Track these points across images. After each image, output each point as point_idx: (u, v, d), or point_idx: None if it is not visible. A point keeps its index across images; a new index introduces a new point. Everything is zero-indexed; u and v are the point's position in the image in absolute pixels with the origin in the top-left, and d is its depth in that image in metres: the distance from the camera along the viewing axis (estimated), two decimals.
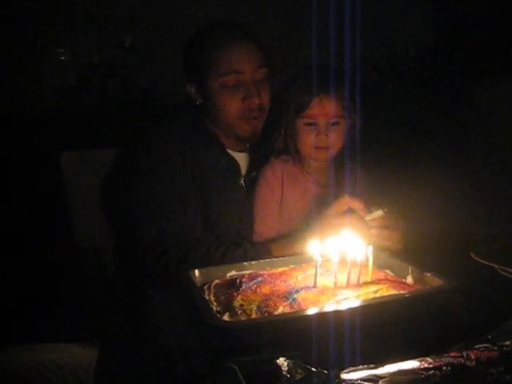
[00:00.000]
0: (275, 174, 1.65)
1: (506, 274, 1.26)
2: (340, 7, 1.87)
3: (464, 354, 0.86)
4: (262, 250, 1.45)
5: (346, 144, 1.63)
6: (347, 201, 1.41)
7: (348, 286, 1.13)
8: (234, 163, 1.64)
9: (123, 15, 3.31)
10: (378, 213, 1.40)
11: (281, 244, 1.47)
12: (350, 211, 1.40)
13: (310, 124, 1.59)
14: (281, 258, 1.32)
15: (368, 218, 1.39)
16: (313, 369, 0.81)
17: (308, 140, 1.60)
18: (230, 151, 1.64)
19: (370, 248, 1.19)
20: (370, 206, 1.42)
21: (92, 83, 3.35)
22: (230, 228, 1.59)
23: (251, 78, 1.54)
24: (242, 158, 1.68)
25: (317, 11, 1.85)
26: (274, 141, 1.65)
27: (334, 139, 1.60)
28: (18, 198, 2.70)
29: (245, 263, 1.28)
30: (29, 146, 2.80)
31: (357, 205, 1.40)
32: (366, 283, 1.14)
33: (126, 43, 3.35)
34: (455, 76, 3.31)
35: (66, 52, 3.47)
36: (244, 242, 1.46)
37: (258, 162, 1.68)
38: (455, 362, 0.84)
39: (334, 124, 1.59)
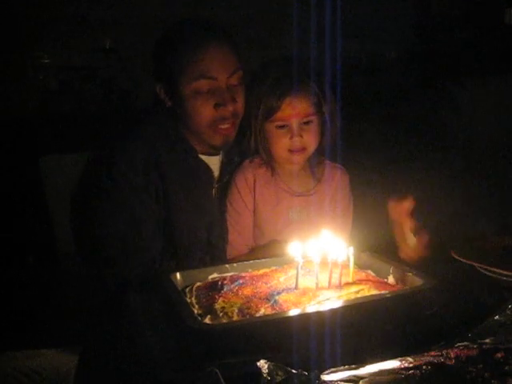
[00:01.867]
0: (247, 180, 1.60)
1: (486, 273, 1.27)
2: (321, 6, 1.87)
3: (444, 352, 0.87)
4: None
5: (320, 143, 1.60)
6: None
7: (329, 287, 1.13)
8: (207, 168, 1.58)
9: (103, 18, 3.29)
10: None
11: None
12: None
13: (281, 127, 1.53)
14: (262, 260, 1.32)
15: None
16: (293, 370, 0.81)
17: (281, 143, 1.54)
18: (202, 156, 1.58)
19: (351, 249, 1.19)
20: None
21: (72, 86, 3.32)
22: (200, 238, 1.54)
23: (225, 83, 1.49)
24: (214, 162, 1.61)
25: (298, 9, 1.85)
26: (244, 145, 1.61)
27: (309, 139, 1.55)
28: None
29: (226, 265, 1.28)
30: (9, 149, 2.77)
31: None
32: (348, 284, 1.14)
33: (106, 46, 3.33)
34: (436, 76, 3.33)
35: (47, 55, 3.44)
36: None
37: (231, 166, 1.64)
38: (435, 360, 0.84)
39: (306, 123, 1.54)
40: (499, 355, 0.85)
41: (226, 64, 1.49)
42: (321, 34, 1.70)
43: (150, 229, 1.46)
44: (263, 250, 1.56)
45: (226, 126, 1.51)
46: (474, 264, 1.30)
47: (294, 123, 1.53)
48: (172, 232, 1.50)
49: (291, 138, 1.53)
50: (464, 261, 1.31)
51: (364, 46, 3.51)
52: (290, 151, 1.55)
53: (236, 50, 1.53)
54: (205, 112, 1.49)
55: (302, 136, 1.53)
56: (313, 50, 1.62)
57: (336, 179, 1.65)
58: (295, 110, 1.51)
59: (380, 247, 1.39)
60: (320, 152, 1.62)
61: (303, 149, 1.55)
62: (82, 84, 3.34)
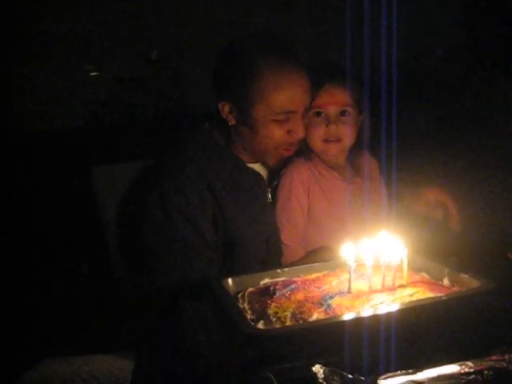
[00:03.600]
0: (300, 175, 1.60)
1: None
2: (365, 5, 1.84)
3: (506, 357, 0.84)
4: None
5: (360, 138, 1.62)
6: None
7: (383, 290, 1.11)
8: (257, 175, 1.57)
9: (149, 28, 3.35)
10: None
11: None
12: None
13: (318, 114, 1.56)
14: (314, 264, 1.31)
15: None
16: (349, 375, 0.80)
17: (317, 132, 1.57)
18: (250, 165, 1.58)
19: (405, 251, 1.17)
20: None
21: (121, 97, 3.39)
22: (259, 252, 1.52)
23: (302, 113, 1.49)
24: (260, 169, 1.61)
25: (340, 8, 1.83)
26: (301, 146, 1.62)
27: (344, 130, 1.57)
28: (51, 214, 2.75)
29: (278, 270, 1.28)
30: (62, 160, 2.85)
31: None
32: (402, 286, 1.12)
33: (152, 57, 3.39)
34: (484, 76, 3.25)
35: (95, 68, 3.53)
36: None
37: (280, 167, 1.62)
38: (497, 365, 0.82)
39: (343, 114, 1.56)
40: None
41: (305, 97, 1.49)
42: (371, 33, 1.69)
43: (207, 258, 1.44)
44: (317, 254, 1.56)
45: (290, 151, 1.53)
46: None
47: (331, 111, 1.55)
48: (231, 251, 1.49)
49: (327, 125, 1.55)
50: None
51: (411, 44, 3.45)
52: (326, 141, 1.57)
53: (308, 74, 1.50)
54: (277, 137, 1.48)
55: (337, 125, 1.55)
56: (366, 49, 1.61)
57: (371, 165, 1.70)
58: (333, 97, 1.55)
59: (433, 249, 1.36)
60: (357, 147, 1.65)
61: (338, 140, 1.57)
62: (130, 95, 3.41)
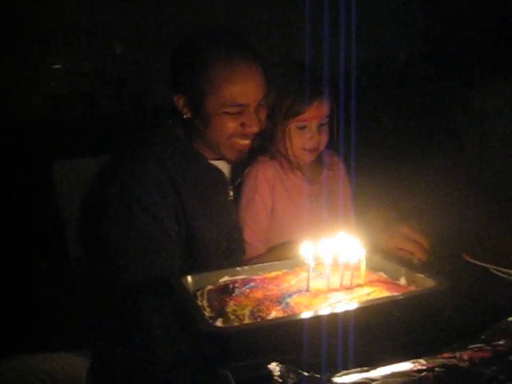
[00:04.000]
0: (265, 174, 1.62)
1: (498, 274, 1.26)
2: (331, 10, 1.86)
3: (457, 354, 0.86)
4: None
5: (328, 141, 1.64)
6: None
7: (341, 288, 1.12)
8: (219, 173, 1.57)
9: (114, 22, 3.31)
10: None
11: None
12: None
13: (301, 127, 1.58)
14: (273, 263, 1.31)
15: None
16: (305, 373, 0.81)
17: (299, 143, 1.59)
18: (212, 161, 1.58)
19: (363, 251, 1.18)
20: None
21: (83, 91, 3.34)
22: (220, 247, 1.53)
23: (255, 107, 1.48)
24: (224, 165, 1.61)
25: (309, 14, 1.85)
26: (256, 143, 1.61)
27: (324, 139, 1.61)
28: (10, 208, 2.69)
29: (237, 268, 1.28)
30: (22, 154, 2.79)
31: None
32: (359, 286, 1.14)
33: (116, 50, 3.35)
34: (446, 78, 3.32)
35: (58, 61, 3.47)
36: None
37: (243, 166, 1.63)
38: (448, 362, 0.83)
39: (322, 125, 1.59)
40: None
41: (257, 91, 1.48)
42: (331, 38, 1.71)
43: (169, 251, 1.44)
44: (279, 249, 1.57)
45: (245, 142, 1.52)
46: (487, 266, 1.29)
47: (314, 124, 1.58)
48: (192, 246, 1.49)
49: (311, 138, 1.58)
50: (476, 262, 1.30)
51: (374, 48, 3.50)
52: (305, 150, 1.60)
53: (265, 70, 1.51)
54: (230, 130, 1.48)
55: (319, 136, 1.59)
56: (326, 54, 1.62)
57: (338, 167, 1.73)
58: (318, 112, 1.56)
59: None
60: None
61: (317, 148, 1.61)
62: (92, 88, 3.37)
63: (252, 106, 1.48)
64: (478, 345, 0.91)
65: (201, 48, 1.47)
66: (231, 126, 1.48)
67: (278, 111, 1.57)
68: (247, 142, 1.53)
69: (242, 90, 1.45)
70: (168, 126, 1.57)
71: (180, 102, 1.51)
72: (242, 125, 1.48)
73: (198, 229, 1.49)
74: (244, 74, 1.45)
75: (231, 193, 1.61)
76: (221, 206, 1.56)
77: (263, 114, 1.53)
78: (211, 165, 1.57)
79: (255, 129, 1.50)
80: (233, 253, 1.55)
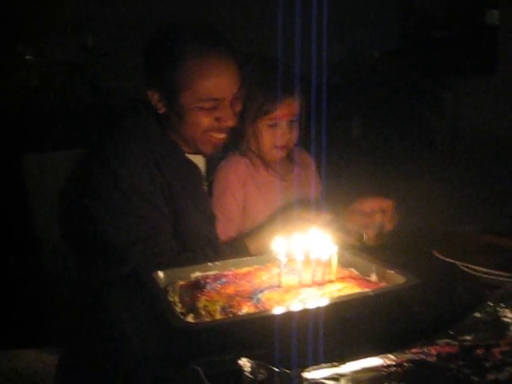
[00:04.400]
0: (236, 170, 1.62)
1: (467, 270, 1.28)
2: (304, 7, 1.87)
3: (425, 350, 0.88)
4: (239, 249, 1.42)
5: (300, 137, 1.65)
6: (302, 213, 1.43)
7: (312, 284, 1.13)
8: (195, 167, 1.57)
9: (87, 14, 3.27)
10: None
11: (257, 238, 1.44)
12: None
13: (272, 125, 1.58)
14: (245, 258, 1.31)
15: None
16: (275, 369, 0.81)
17: (270, 140, 1.60)
18: (188, 155, 1.57)
19: (335, 247, 1.19)
20: None
21: (55, 83, 3.29)
22: (204, 232, 1.54)
23: (229, 101, 1.47)
24: (200, 160, 1.61)
25: (281, 11, 1.85)
26: (228, 142, 1.61)
27: (294, 136, 1.62)
28: None
29: (209, 264, 1.27)
30: None
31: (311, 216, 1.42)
32: (331, 282, 1.14)
33: (88, 43, 3.31)
34: (418, 76, 3.36)
35: (29, 51, 3.41)
36: (219, 247, 1.44)
37: (215, 162, 1.64)
38: (416, 358, 0.85)
39: (292, 122, 1.60)
40: (479, 352, 0.86)
41: (231, 84, 1.47)
42: (304, 35, 1.72)
43: (168, 232, 1.44)
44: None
45: (221, 136, 1.52)
46: (456, 262, 1.31)
47: (285, 122, 1.58)
48: (180, 230, 1.49)
49: (282, 135, 1.59)
50: (445, 259, 1.32)
51: (347, 46, 3.52)
52: (276, 147, 1.61)
53: (237, 61, 1.50)
54: (205, 125, 1.47)
55: (290, 133, 1.60)
56: (297, 51, 1.62)
57: (308, 164, 1.75)
58: (290, 110, 1.57)
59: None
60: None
61: (287, 145, 1.62)
62: (64, 81, 3.32)
63: (227, 99, 1.47)
64: (446, 340, 0.92)
65: (174, 43, 1.46)
66: (206, 120, 1.47)
67: (249, 109, 1.57)
68: (222, 135, 1.52)
69: (216, 85, 1.44)
70: (143, 118, 1.55)
71: (154, 97, 1.49)
72: (217, 119, 1.48)
73: (183, 214, 1.50)
74: (218, 68, 1.44)
75: (205, 187, 1.61)
76: (196, 196, 1.56)
77: (238, 108, 1.53)
78: (187, 158, 1.56)
79: (231, 123, 1.49)
80: (215, 239, 1.56)
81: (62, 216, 1.55)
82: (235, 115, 1.51)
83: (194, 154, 1.58)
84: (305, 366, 0.84)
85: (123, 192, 1.41)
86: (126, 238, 1.39)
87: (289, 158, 1.70)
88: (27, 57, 3.42)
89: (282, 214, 1.44)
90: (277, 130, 1.58)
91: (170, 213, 1.48)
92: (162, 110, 1.50)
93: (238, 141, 1.63)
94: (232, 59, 1.47)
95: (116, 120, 1.58)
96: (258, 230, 1.52)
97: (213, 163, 1.64)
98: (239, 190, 1.62)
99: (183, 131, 1.51)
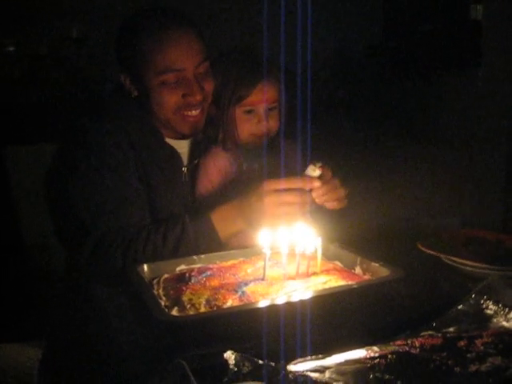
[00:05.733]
0: (216, 165, 1.61)
1: (450, 263, 1.30)
2: (288, 1, 1.87)
3: (409, 341, 0.88)
4: (202, 220, 1.38)
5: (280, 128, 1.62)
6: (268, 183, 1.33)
7: (297, 277, 1.13)
8: (174, 153, 1.57)
9: (71, 5, 3.23)
10: (311, 172, 1.32)
11: (221, 211, 1.38)
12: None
13: (249, 112, 1.57)
14: (230, 251, 1.31)
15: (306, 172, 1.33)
16: (260, 361, 0.81)
17: (247, 128, 1.58)
18: (169, 140, 1.57)
19: (319, 240, 1.19)
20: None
21: (38, 75, 3.25)
22: (177, 214, 1.51)
23: (193, 73, 1.46)
24: (183, 146, 1.61)
25: (266, 5, 1.84)
26: (208, 131, 1.62)
27: (273, 124, 1.60)
28: None
29: (194, 257, 1.27)
30: None
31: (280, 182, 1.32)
32: (315, 274, 1.15)
33: (73, 34, 3.27)
34: (403, 71, 3.37)
35: (11, 42, 3.36)
36: (181, 217, 1.40)
37: (199, 150, 1.64)
38: (400, 349, 0.85)
39: (271, 109, 1.59)
40: (462, 343, 0.87)
41: (192, 54, 1.46)
42: (289, 29, 1.72)
43: (140, 205, 1.45)
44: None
45: (194, 112, 1.51)
46: (439, 255, 1.32)
47: (262, 108, 1.57)
48: (152, 210, 1.49)
49: (258, 122, 1.57)
50: (430, 252, 1.33)
51: (332, 40, 3.52)
52: (254, 135, 1.59)
53: (202, 37, 1.51)
54: (171, 101, 1.47)
55: (267, 121, 1.58)
56: (282, 44, 1.62)
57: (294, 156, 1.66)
58: (265, 95, 1.55)
59: (348, 238, 1.40)
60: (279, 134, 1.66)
61: (266, 133, 1.59)
62: (47, 73, 3.28)
63: (189, 71, 1.46)
64: (430, 332, 0.93)
65: (134, 23, 1.49)
66: (172, 98, 1.47)
67: (223, 96, 1.57)
68: (196, 112, 1.51)
69: (174, 55, 1.44)
70: (122, 103, 1.56)
71: (126, 81, 1.52)
72: (184, 96, 1.47)
73: (156, 194, 1.50)
74: (175, 39, 1.44)
75: (185, 172, 1.61)
76: (173, 181, 1.56)
77: (208, 85, 1.52)
78: (166, 143, 1.56)
79: (198, 97, 1.48)
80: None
81: (47, 194, 1.57)
82: (203, 90, 1.49)
83: (177, 138, 1.59)
84: (290, 359, 0.85)
85: (94, 166, 1.42)
86: (93, 209, 1.40)
87: (271, 147, 1.65)
88: (9, 48, 3.38)
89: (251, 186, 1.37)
90: (253, 117, 1.57)
91: (144, 190, 1.48)
92: (134, 94, 1.52)
93: (217, 132, 1.62)
94: (190, 29, 1.48)
95: (96, 103, 1.58)
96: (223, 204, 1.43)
97: (196, 151, 1.63)
98: (219, 183, 1.61)
99: (156, 113, 1.51)
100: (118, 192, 1.42)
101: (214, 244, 1.36)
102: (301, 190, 1.31)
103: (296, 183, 1.31)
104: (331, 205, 1.38)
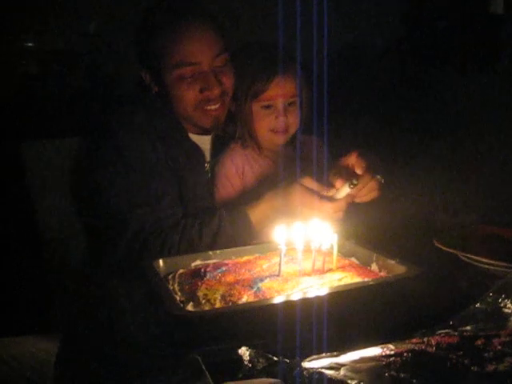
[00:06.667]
0: (234, 162, 1.61)
1: (468, 261, 1.28)
2: None
3: (425, 340, 0.87)
4: (239, 215, 1.39)
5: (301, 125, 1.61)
6: (305, 182, 1.35)
7: (313, 274, 1.13)
8: (196, 149, 1.58)
9: (88, 1, 3.24)
10: (345, 189, 1.31)
11: (256, 205, 1.40)
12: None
13: (267, 107, 1.56)
14: (245, 247, 1.31)
15: (336, 196, 1.32)
16: (275, 358, 0.81)
17: (266, 124, 1.57)
18: (193, 135, 1.58)
19: (335, 236, 1.19)
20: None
21: (55, 71, 3.27)
22: (200, 207, 1.55)
23: (209, 67, 1.46)
24: (206, 142, 1.62)
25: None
26: (229, 127, 1.62)
27: (292, 120, 1.58)
28: None
29: (210, 252, 1.27)
30: None
31: (314, 185, 1.34)
32: (331, 271, 1.14)
33: (90, 30, 3.28)
34: (422, 66, 3.34)
35: (30, 38, 3.39)
36: (218, 211, 1.41)
37: (221, 147, 1.64)
38: (416, 348, 0.84)
39: (290, 104, 1.57)
40: (479, 342, 0.86)
41: (208, 47, 1.46)
42: (305, 24, 1.71)
43: (171, 199, 1.46)
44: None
45: (214, 106, 1.51)
46: (457, 252, 1.30)
47: (280, 103, 1.55)
48: (182, 200, 1.51)
49: (277, 117, 1.56)
50: (446, 249, 1.31)
51: (349, 35, 3.50)
52: (273, 132, 1.58)
53: (220, 30, 1.50)
54: (190, 96, 1.48)
55: (286, 116, 1.56)
56: (298, 36, 1.61)
57: (314, 149, 1.67)
58: (283, 90, 1.54)
59: (364, 234, 1.39)
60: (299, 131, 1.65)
61: (286, 130, 1.58)
62: (65, 69, 3.30)
63: (205, 65, 1.46)
64: (446, 330, 0.92)
65: (151, 17, 1.49)
66: (191, 93, 1.47)
67: (240, 91, 1.56)
68: (216, 106, 1.51)
69: (189, 48, 1.44)
70: (145, 99, 1.57)
71: (147, 77, 1.53)
72: (201, 90, 1.47)
73: (185, 185, 1.52)
74: (189, 31, 1.44)
75: (207, 168, 1.62)
76: (197, 176, 1.57)
77: (227, 76, 1.51)
78: (189, 139, 1.57)
79: (216, 91, 1.48)
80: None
81: (74, 191, 1.61)
82: (221, 83, 1.49)
83: (199, 134, 1.59)
84: (305, 356, 0.84)
85: (126, 160, 1.44)
86: (127, 203, 1.41)
87: (291, 146, 1.66)
88: (27, 44, 3.40)
89: (285, 184, 1.39)
90: (271, 112, 1.56)
91: (175, 182, 1.50)
92: (154, 90, 1.53)
93: (235, 128, 1.61)
94: (206, 23, 1.47)
95: (118, 99, 1.59)
96: (259, 199, 1.45)
97: (219, 147, 1.64)
98: (237, 181, 1.61)
99: (177, 109, 1.52)
100: (152, 185, 1.44)
101: (250, 237, 1.38)
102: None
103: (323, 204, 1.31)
104: (364, 198, 1.36)
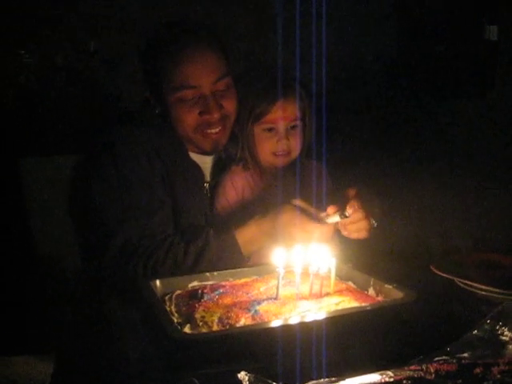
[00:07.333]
0: (234, 184, 1.61)
1: (464, 287, 1.28)
2: (305, 16, 1.88)
3: (424, 367, 0.87)
4: (226, 236, 1.39)
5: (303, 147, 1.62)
6: (298, 204, 1.36)
7: (310, 297, 1.13)
8: (196, 168, 1.58)
9: (88, 19, 3.26)
10: (335, 218, 1.33)
11: (245, 228, 1.39)
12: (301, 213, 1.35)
13: (269, 130, 1.56)
14: (243, 269, 1.31)
15: (326, 220, 1.34)
16: (274, 383, 0.81)
17: (268, 147, 1.58)
18: (194, 155, 1.58)
19: (333, 260, 1.19)
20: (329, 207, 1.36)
21: (54, 87, 3.28)
22: (199, 223, 1.55)
23: (210, 91, 1.46)
24: (207, 161, 1.62)
25: (282, 18, 1.86)
26: (230, 150, 1.63)
27: (294, 143, 1.58)
28: None
29: (207, 274, 1.27)
30: None
31: (308, 208, 1.36)
32: (328, 295, 1.14)
33: (90, 48, 3.30)
34: (414, 89, 3.37)
35: (29, 54, 3.40)
36: (205, 230, 1.41)
37: (222, 167, 1.64)
38: (415, 375, 0.84)
39: (292, 128, 1.58)
40: (478, 370, 0.86)
41: (209, 70, 1.46)
42: (304, 42, 1.72)
43: (162, 217, 1.45)
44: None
45: (214, 130, 1.51)
46: (454, 278, 1.30)
47: (282, 126, 1.56)
48: (176, 220, 1.51)
49: (278, 140, 1.56)
50: (443, 275, 1.32)
51: (346, 56, 3.53)
52: (275, 155, 1.58)
53: (223, 53, 1.51)
54: (189, 119, 1.48)
55: (288, 139, 1.56)
56: (297, 57, 1.63)
57: (314, 173, 1.67)
58: (285, 113, 1.54)
59: (361, 258, 1.40)
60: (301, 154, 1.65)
61: (288, 153, 1.59)
62: (64, 85, 3.31)
63: (205, 88, 1.46)
64: (444, 357, 0.92)
65: (154, 39, 1.51)
66: (190, 116, 1.48)
67: (243, 115, 1.56)
68: (216, 130, 1.51)
69: (189, 71, 1.45)
70: (150, 116, 1.58)
71: (151, 97, 1.54)
72: (201, 114, 1.48)
73: (181, 204, 1.51)
74: (190, 55, 1.45)
75: (207, 188, 1.62)
76: (195, 195, 1.57)
77: (228, 100, 1.51)
78: (189, 158, 1.57)
79: (216, 115, 1.48)
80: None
81: (70, 205, 1.62)
82: (221, 107, 1.50)
83: (200, 154, 1.59)
84: (303, 381, 0.84)
85: (122, 173, 1.44)
86: (116, 217, 1.41)
87: (292, 169, 1.65)
88: (26, 60, 3.41)
89: (276, 206, 1.40)
90: (273, 135, 1.57)
91: (169, 200, 1.49)
92: (158, 110, 1.54)
93: (237, 151, 1.62)
94: (208, 47, 1.48)
95: (121, 116, 1.60)
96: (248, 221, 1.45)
97: (219, 167, 1.64)
98: (237, 204, 1.61)
99: (177, 130, 1.52)
100: (143, 201, 1.43)
101: (235, 261, 1.37)
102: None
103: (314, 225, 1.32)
104: (352, 235, 1.38)
